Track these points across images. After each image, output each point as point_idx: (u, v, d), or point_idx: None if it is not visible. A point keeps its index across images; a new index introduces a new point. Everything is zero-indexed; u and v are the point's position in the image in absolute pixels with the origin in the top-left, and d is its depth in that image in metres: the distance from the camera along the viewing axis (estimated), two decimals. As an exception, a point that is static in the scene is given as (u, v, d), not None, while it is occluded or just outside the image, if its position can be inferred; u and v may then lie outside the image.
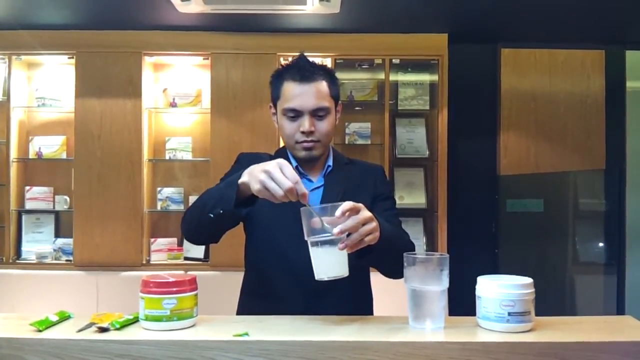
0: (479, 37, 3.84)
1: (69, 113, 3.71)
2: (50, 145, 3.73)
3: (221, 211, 1.32)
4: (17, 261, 3.65)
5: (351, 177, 1.64)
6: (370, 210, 1.34)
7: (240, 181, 1.30)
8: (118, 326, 1.19)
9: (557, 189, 4.01)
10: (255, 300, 1.60)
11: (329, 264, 1.25)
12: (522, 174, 3.87)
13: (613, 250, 3.87)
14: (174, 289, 1.20)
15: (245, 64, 3.62)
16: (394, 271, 1.45)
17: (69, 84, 3.69)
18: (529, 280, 1.22)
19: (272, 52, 3.62)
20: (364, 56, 3.77)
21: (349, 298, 1.54)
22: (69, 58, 3.69)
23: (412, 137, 3.84)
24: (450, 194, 3.65)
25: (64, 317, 1.28)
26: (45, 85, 3.76)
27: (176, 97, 3.72)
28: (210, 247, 3.60)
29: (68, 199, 3.72)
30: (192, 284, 1.23)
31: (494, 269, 3.71)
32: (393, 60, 3.74)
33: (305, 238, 1.25)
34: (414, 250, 1.42)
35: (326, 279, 1.26)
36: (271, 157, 1.68)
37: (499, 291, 1.19)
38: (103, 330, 1.18)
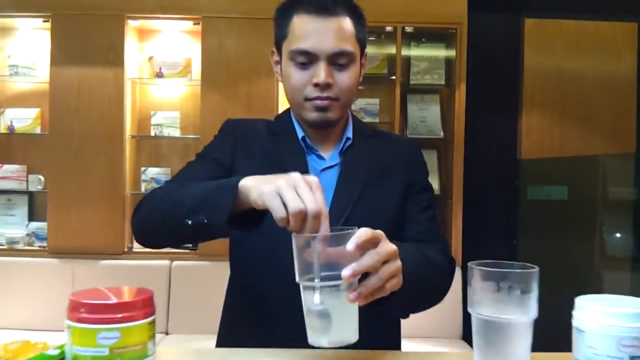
0: (501, 5, 3.65)
1: (43, 83, 3.48)
2: (23, 119, 3.48)
3: (205, 220, 0.95)
4: (-14, 246, 3.42)
5: (377, 156, 1.25)
6: (401, 204, 1.05)
7: (241, 183, 0.93)
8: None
9: (583, 175, 3.87)
10: (244, 325, 1.22)
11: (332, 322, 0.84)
12: (545, 158, 3.70)
13: (644, 244, 3.75)
14: (118, 316, 0.80)
15: (240, 30, 3.37)
16: (422, 309, 1.12)
17: (45, 51, 3.45)
18: None
19: (270, 17, 3.26)
20: (374, 23, 3.42)
21: (370, 321, 1.14)
22: (44, 21, 3.46)
23: (425, 116, 3.62)
24: (466, 179, 3.47)
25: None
26: (19, 53, 3.54)
27: (163, 67, 3.49)
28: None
29: (43, 178, 3.46)
30: (147, 305, 0.83)
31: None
32: (406, 29, 3.47)
33: (297, 279, 0.85)
34: (447, 279, 1.13)
35: (327, 346, 0.84)
36: (269, 124, 1.31)
37: (616, 324, 0.80)
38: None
